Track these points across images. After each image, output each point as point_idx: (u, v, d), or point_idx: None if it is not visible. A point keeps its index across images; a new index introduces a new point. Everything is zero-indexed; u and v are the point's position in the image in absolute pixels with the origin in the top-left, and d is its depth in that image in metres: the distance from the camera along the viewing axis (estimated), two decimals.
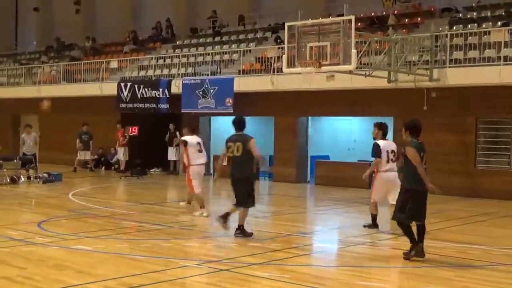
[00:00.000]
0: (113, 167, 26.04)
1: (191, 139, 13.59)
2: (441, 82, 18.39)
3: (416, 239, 9.08)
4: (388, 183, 11.67)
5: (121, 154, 24.84)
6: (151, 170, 25.17)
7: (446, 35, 18.89)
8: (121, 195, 19.34)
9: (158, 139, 24.76)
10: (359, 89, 19.87)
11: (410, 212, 9.08)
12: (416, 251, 9.00)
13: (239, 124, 11.17)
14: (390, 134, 20.15)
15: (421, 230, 9.14)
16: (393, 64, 17.94)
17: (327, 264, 9.13)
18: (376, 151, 11.68)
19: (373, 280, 7.92)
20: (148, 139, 24.73)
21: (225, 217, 10.77)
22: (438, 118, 18.98)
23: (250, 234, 10.72)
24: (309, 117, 22.65)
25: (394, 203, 10.78)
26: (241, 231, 10.69)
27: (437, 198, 17.54)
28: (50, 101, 22.17)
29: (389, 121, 20.48)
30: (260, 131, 25.95)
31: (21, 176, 20.48)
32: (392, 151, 11.81)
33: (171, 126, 24.51)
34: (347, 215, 14.76)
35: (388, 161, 11.72)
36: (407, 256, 9.02)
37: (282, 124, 22.54)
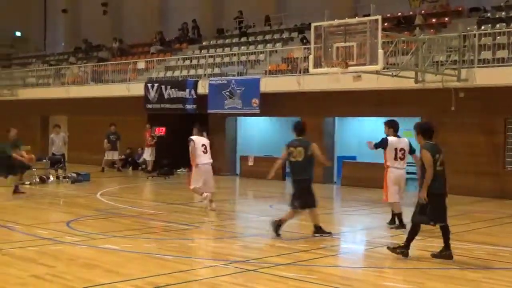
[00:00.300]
0: (140, 167, 26.22)
1: (198, 139, 14.02)
2: (469, 82, 18.21)
3: (445, 245, 9.09)
4: (399, 180, 11.97)
5: (148, 154, 25.00)
6: (178, 170, 25.29)
7: (474, 35, 18.70)
8: (148, 195, 19.48)
9: (185, 140, 24.85)
10: (386, 90, 19.76)
11: (431, 214, 9.07)
12: (445, 256, 9.00)
13: (300, 129, 11.44)
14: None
15: (446, 231, 9.12)
16: (421, 64, 17.81)
17: (354, 265, 9.11)
18: (383, 142, 12.11)
19: (400, 282, 7.89)
20: (175, 139, 24.82)
21: (279, 224, 10.89)
22: (466, 119, 18.82)
23: (329, 233, 10.99)
24: (336, 118, 22.58)
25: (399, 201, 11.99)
26: (318, 231, 10.89)
27: (465, 199, 17.44)
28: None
29: (416, 121, 20.43)
30: (286, 132, 26.01)
31: (50, 176, 20.73)
32: (402, 149, 12.01)
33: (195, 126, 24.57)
34: (373, 216, 14.70)
35: (396, 158, 11.95)
36: (392, 249, 9.18)
37: (308, 125, 22.30)
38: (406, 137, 12.36)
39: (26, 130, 32.09)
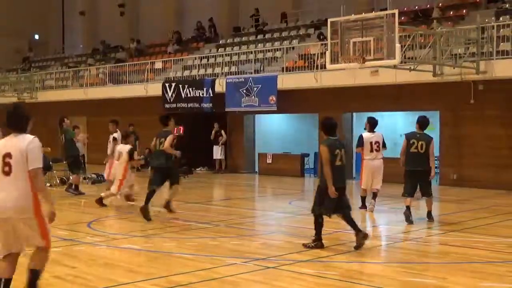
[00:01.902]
0: None
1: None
2: (488, 74, 18.06)
3: (318, 236, 9.52)
4: (373, 170, 13.61)
5: None
6: (197, 169, 25.36)
7: (493, 27, 18.53)
8: (168, 195, 19.51)
9: (203, 138, 24.94)
10: (404, 84, 19.66)
11: (328, 206, 9.48)
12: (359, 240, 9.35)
13: (423, 124, 12.19)
14: (436, 128, 20.00)
15: (348, 219, 9.57)
16: (439, 57, 17.69)
17: (374, 261, 9.07)
18: (358, 141, 13.88)
19: (421, 277, 7.83)
20: (194, 138, 24.92)
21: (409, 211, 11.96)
22: (486, 111, 18.67)
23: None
24: (354, 113, 22.50)
25: (378, 188, 13.90)
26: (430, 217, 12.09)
27: (486, 192, 17.30)
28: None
29: (435, 115, 20.31)
30: (304, 128, 26.00)
31: (71, 177, 20.84)
32: (376, 142, 13.61)
33: (216, 125, 24.67)
34: (393, 211, 14.60)
35: (371, 151, 13.56)
36: (307, 246, 9.41)
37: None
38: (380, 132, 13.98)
39: (45, 132, 32.32)
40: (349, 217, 9.53)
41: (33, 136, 6.17)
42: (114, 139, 17.34)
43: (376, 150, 13.62)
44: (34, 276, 6.36)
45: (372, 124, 13.84)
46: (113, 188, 14.54)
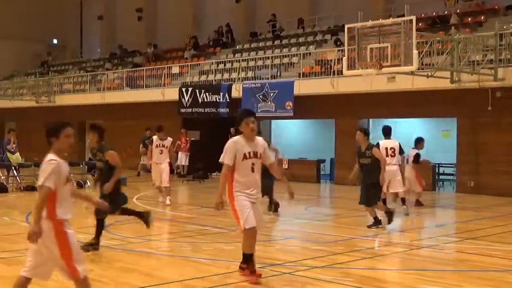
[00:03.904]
0: (175, 171, 26.38)
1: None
2: (506, 81, 17.96)
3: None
4: (389, 175, 13.57)
5: (183, 159, 25.19)
6: (213, 174, 25.40)
7: (511, 33, 18.42)
8: (184, 199, 19.58)
9: (219, 143, 24.96)
10: (421, 90, 19.59)
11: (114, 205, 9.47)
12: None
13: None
14: (453, 135, 19.91)
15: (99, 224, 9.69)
16: (456, 64, 17.61)
17: (390, 268, 9.04)
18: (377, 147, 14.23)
19: (437, 284, 7.79)
20: (210, 143, 24.95)
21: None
22: (504, 119, 18.55)
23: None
24: (370, 119, 22.45)
25: (398, 191, 14.29)
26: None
27: (503, 200, 17.17)
28: None
29: (452, 122, 20.22)
30: (320, 134, 25.96)
31: (87, 181, 20.98)
32: (391, 148, 14.14)
33: (232, 130, 24.66)
34: (410, 218, 14.55)
35: (387, 156, 13.82)
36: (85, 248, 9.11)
37: (343, 127, 22.41)
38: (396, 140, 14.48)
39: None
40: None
41: (51, 157, 5.93)
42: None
43: (391, 156, 14.09)
44: None
45: (384, 132, 14.51)
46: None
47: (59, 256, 5.68)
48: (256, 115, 7.90)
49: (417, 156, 15.42)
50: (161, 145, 16.13)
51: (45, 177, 5.69)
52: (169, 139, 16.48)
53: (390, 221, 12.02)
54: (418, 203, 15.84)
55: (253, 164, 7.58)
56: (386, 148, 14.15)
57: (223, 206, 7.56)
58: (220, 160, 7.55)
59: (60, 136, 5.92)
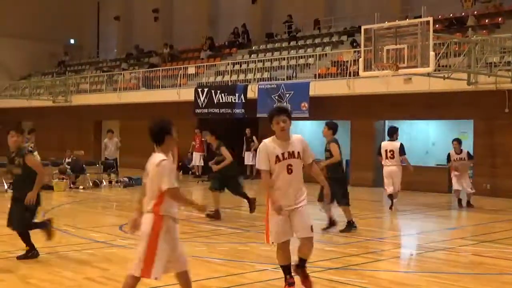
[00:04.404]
0: (190, 172, 26.45)
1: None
2: None
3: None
4: (386, 174, 15.11)
5: (197, 160, 25.27)
6: None
7: None
8: (198, 199, 19.60)
9: (235, 144, 24.98)
10: (438, 92, 19.49)
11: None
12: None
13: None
14: (470, 137, 19.79)
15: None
16: (473, 65, 17.51)
17: (406, 270, 9.00)
18: (379, 150, 15.54)
19: (453, 287, 7.76)
20: (225, 144, 24.96)
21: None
22: None
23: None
24: (386, 121, 22.37)
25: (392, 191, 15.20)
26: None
27: None
28: None
29: (469, 124, 20.10)
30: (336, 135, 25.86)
31: (103, 180, 21.10)
32: (391, 150, 15.01)
33: (247, 130, 24.71)
34: (425, 220, 14.51)
35: (386, 158, 15.06)
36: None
37: (358, 128, 22.36)
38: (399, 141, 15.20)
39: (79, 135, 32.79)
40: None
41: (162, 157, 5.94)
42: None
43: (390, 158, 15.02)
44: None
45: (388, 133, 15.46)
46: None
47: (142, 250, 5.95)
48: (291, 113, 7.33)
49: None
50: None
51: (170, 178, 5.84)
52: None
53: (329, 227, 11.79)
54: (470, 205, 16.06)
55: (289, 165, 6.91)
56: (386, 151, 15.07)
57: (282, 208, 6.80)
58: (257, 166, 7.05)
59: (172, 133, 6.03)
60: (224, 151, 13.55)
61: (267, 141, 7.07)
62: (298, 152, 7.01)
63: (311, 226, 7.14)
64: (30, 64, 42.07)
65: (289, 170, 6.91)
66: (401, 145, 15.09)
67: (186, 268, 6.24)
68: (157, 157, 5.92)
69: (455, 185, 16.12)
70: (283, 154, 6.93)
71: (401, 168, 15.30)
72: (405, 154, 15.12)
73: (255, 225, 12.77)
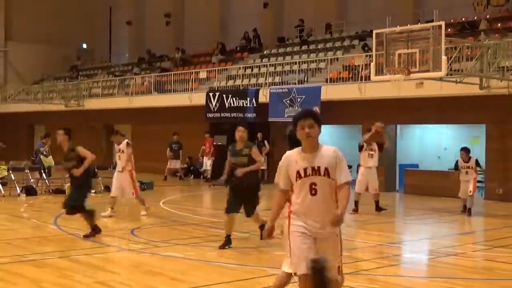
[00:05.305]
0: (202, 176, 26.49)
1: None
2: None
3: None
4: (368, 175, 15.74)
5: (208, 164, 25.33)
6: None
7: None
8: (210, 203, 19.64)
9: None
10: (450, 96, 19.42)
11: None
12: None
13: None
14: (482, 141, 19.71)
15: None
16: (486, 70, 17.43)
17: (417, 275, 8.97)
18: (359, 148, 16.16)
19: None
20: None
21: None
22: None
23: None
24: (398, 125, 22.32)
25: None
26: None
27: None
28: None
29: (481, 128, 20.02)
30: (346, 140, 25.85)
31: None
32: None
33: (259, 135, 24.72)
34: (437, 225, 14.45)
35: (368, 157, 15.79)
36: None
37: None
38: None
39: (91, 139, 32.90)
40: None
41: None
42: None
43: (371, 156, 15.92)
44: None
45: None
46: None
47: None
48: (318, 118, 5.79)
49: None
50: (118, 150, 14.84)
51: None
52: (125, 141, 14.75)
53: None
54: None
55: (313, 184, 5.46)
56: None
57: (272, 233, 5.82)
58: (275, 180, 5.73)
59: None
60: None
61: (290, 153, 5.66)
62: (326, 168, 5.48)
63: (338, 268, 5.58)
64: (42, 69, 42.30)
65: (313, 191, 5.48)
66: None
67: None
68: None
69: (461, 193, 15.73)
70: (305, 169, 5.50)
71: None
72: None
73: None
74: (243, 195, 10.34)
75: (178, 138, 26.01)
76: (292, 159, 5.56)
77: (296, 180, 5.50)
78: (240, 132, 10.45)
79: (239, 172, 10.22)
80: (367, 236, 12.39)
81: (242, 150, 10.40)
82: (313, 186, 5.45)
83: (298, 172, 5.49)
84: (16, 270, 8.53)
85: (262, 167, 24.55)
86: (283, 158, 5.65)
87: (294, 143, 6.69)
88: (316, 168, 5.45)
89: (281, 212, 5.77)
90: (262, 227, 9.92)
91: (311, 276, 5.34)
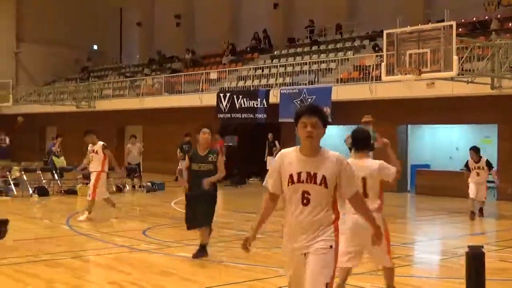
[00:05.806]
0: None
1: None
2: None
3: None
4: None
5: None
6: (250, 179, 25.45)
7: None
8: (220, 204, 19.62)
9: (256, 149, 25.03)
10: (461, 96, 19.35)
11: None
12: None
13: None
14: (494, 142, 19.62)
15: None
16: (497, 69, 17.37)
17: (429, 275, 8.95)
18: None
19: None
20: (247, 148, 25.03)
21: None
22: None
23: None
24: (409, 125, 22.25)
25: None
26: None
27: None
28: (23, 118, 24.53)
29: (493, 128, 19.93)
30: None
31: (126, 185, 21.22)
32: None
33: (269, 135, 24.73)
34: (449, 226, 14.40)
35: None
36: None
37: (381, 133, 22.19)
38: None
39: (102, 140, 32.93)
40: None
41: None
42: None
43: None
44: None
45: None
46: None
47: None
48: (325, 117, 4.99)
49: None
50: (91, 150, 14.67)
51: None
52: (101, 143, 14.75)
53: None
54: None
55: (305, 193, 4.69)
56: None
57: (250, 244, 5.25)
58: (264, 183, 5.00)
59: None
60: None
61: (286, 152, 4.89)
62: (324, 177, 4.68)
63: (327, 285, 4.68)
64: (54, 70, 42.48)
65: (304, 200, 4.70)
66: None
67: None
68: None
69: (471, 193, 15.02)
70: (299, 174, 4.70)
71: None
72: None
73: (278, 230, 12.76)
74: (200, 204, 9.59)
75: (190, 139, 26.01)
76: (289, 158, 4.78)
77: (288, 185, 4.74)
78: (206, 135, 9.38)
79: (207, 183, 9.23)
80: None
81: (207, 156, 9.40)
82: (306, 195, 4.68)
83: (291, 176, 4.72)
84: (28, 270, 8.57)
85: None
86: (277, 156, 4.90)
87: (365, 145, 7.03)
88: (312, 174, 4.66)
89: (267, 219, 5.06)
90: (204, 246, 9.46)
91: None
